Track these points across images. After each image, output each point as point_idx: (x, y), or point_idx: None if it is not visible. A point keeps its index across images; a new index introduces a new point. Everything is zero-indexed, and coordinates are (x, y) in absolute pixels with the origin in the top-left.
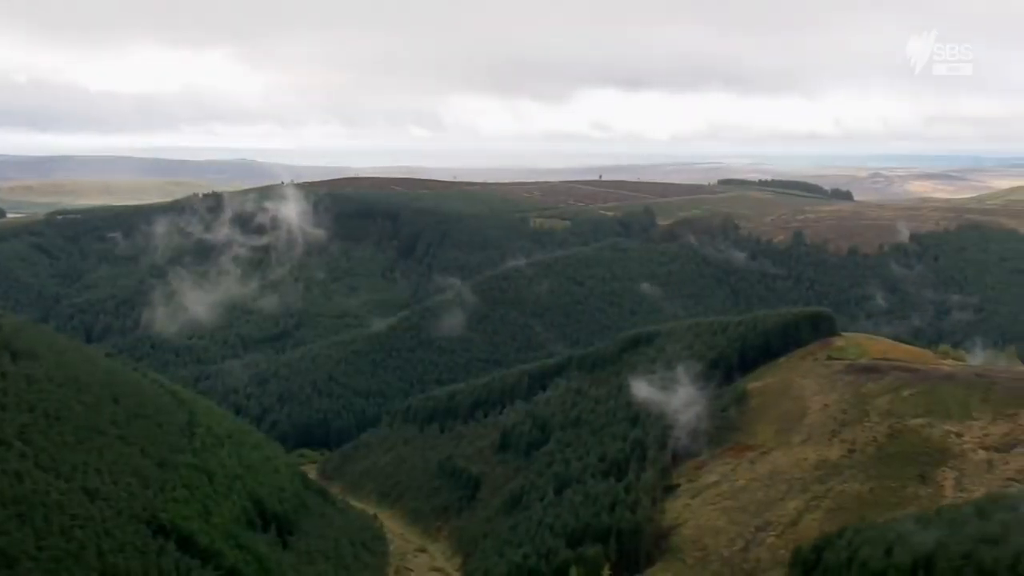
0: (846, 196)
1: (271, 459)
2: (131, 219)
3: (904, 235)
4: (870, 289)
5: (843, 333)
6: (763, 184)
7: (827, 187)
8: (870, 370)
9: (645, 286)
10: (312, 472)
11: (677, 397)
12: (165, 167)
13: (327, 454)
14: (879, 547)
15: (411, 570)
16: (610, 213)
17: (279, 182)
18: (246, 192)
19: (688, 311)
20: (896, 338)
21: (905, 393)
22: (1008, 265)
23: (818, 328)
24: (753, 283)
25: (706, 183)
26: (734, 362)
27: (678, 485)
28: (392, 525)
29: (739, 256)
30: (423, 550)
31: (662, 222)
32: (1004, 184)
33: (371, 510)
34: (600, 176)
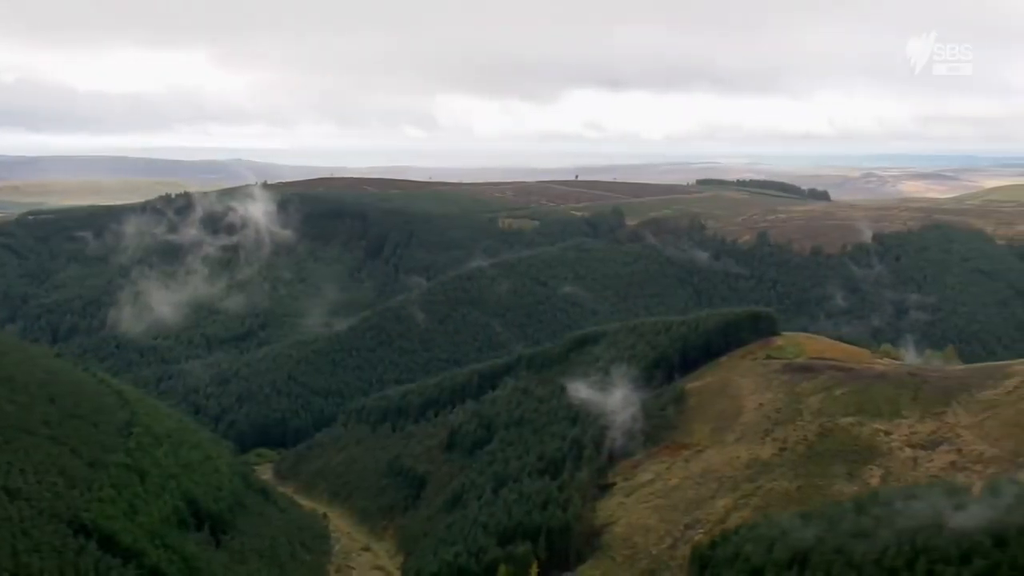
0: (822, 196)
1: (212, 459)
2: (102, 219)
3: (867, 235)
4: (831, 289)
5: (784, 333)
6: (740, 184)
7: (820, 187)
8: (806, 369)
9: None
10: (268, 472)
11: (616, 397)
12: (159, 167)
13: (284, 453)
14: (762, 543)
15: (353, 568)
16: (580, 213)
17: (271, 182)
18: (216, 192)
19: (649, 311)
20: (850, 337)
21: (837, 392)
22: (969, 265)
23: (759, 328)
24: (716, 283)
25: (685, 183)
26: (675, 362)
27: (613, 484)
28: (341, 524)
29: (702, 256)
30: (368, 549)
31: (630, 222)
32: (995, 183)
33: (322, 509)
34: (576, 176)
